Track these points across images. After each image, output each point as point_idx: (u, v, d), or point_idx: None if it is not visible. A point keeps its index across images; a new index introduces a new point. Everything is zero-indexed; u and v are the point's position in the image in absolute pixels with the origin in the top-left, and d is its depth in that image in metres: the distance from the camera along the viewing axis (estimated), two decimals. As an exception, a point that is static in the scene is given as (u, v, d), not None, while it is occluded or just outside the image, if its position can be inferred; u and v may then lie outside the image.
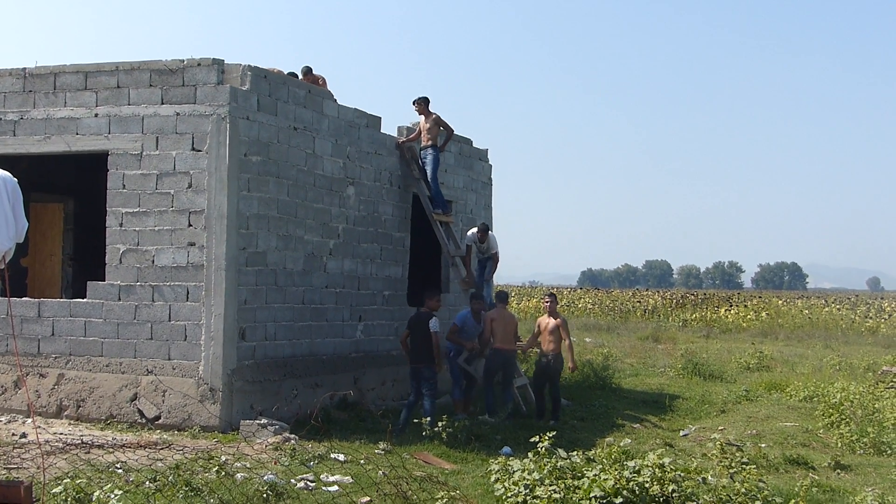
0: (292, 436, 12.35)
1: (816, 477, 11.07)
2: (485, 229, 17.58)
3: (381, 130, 16.98)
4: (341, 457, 11.41)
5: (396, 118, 17.57)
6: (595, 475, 8.58)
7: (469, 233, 17.80)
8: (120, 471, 10.02)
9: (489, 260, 17.58)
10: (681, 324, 41.01)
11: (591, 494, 8.24)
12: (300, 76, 17.25)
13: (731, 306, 47.71)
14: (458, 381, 15.41)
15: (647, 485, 8.22)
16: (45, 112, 14.01)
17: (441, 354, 14.30)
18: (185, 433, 12.73)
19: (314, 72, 17.95)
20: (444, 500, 8.16)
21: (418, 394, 13.96)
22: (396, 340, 17.06)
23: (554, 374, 15.36)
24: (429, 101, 17.45)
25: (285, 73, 16.27)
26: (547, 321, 15.40)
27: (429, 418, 13.17)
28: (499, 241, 17.70)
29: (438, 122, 17.36)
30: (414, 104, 17.48)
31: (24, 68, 14.22)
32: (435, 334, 13.91)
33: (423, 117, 17.46)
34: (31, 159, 14.66)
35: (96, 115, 13.74)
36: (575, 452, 9.96)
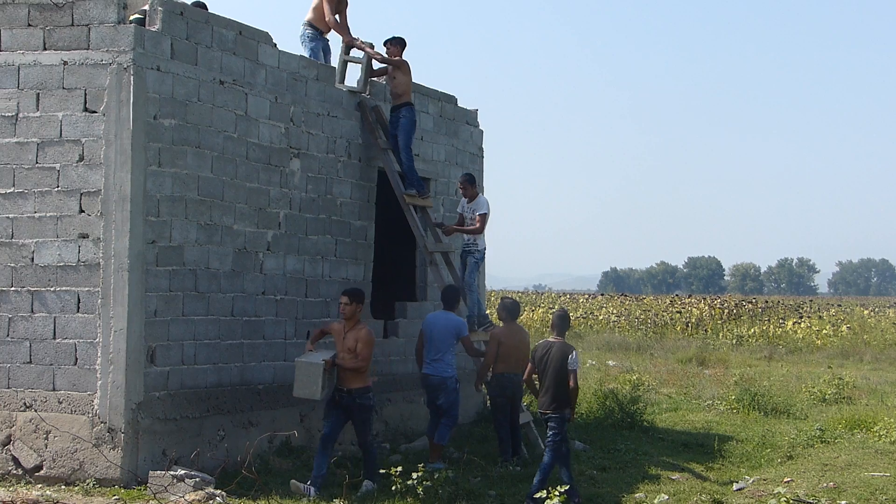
0: (217, 491, 12.38)
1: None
2: (471, 180, 17.60)
3: (337, 85, 17.00)
4: (284, 519, 11.46)
5: (356, 70, 17.36)
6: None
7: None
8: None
9: (469, 254, 17.52)
10: (735, 341, 41.14)
11: (615, 568, 8.34)
12: None
13: (800, 317, 47.91)
14: (438, 417, 15.45)
15: (688, 555, 8.33)
16: None
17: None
18: (76, 488, 12.74)
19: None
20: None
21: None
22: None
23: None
24: (405, 45, 17.46)
25: None
26: None
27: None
28: (492, 228, 17.67)
29: (408, 74, 17.34)
30: (386, 45, 17.45)
31: None
32: (573, 374, 13.52)
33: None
34: None
35: (-45, 64, 13.73)
36: (593, 513, 10.05)
